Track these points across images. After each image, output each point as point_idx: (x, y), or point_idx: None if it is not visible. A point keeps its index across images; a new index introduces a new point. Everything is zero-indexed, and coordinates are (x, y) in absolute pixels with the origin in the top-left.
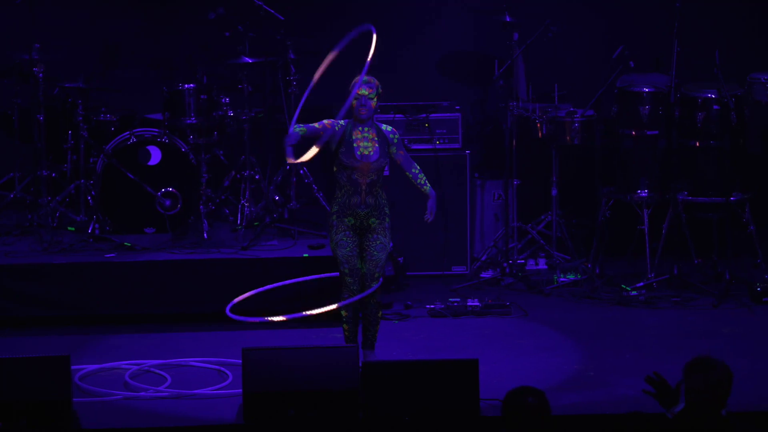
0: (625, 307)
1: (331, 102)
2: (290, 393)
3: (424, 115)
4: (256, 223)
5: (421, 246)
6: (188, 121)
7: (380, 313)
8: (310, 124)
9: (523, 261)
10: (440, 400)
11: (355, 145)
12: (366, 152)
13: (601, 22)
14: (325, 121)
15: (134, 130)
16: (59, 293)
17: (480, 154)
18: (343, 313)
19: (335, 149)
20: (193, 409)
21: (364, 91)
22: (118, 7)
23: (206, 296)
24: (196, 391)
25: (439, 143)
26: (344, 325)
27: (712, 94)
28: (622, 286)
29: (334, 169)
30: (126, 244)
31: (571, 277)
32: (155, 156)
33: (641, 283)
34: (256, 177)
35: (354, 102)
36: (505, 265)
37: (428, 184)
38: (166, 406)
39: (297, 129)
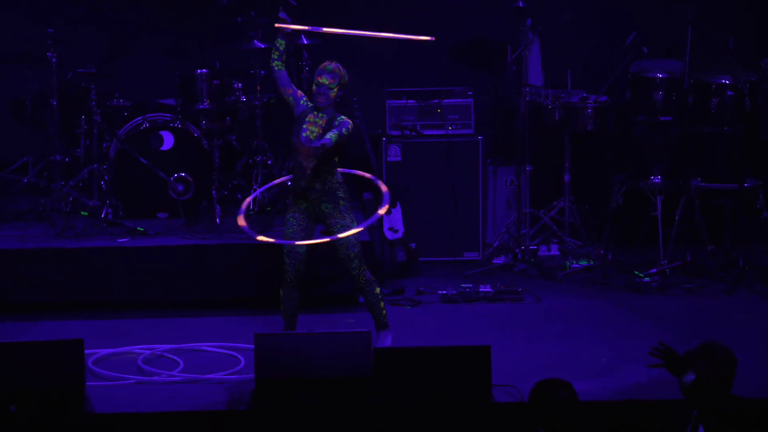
0: (638, 294)
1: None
2: (302, 379)
3: (436, 100)
4: (268, 209)
5: (434, 232)
6: (201, 107)
7: (377, 289)
8: (288, 80)
9: (535, 247)
10: (452, 386)
11: (304, 126)
12: (312, 136)
13: (615, 7)
14: (299, 91)
15: (147, 115)
16: (72, 278)
17: (492, 140)
18: (281, 293)
19: (292, 128)
20: (206, 394)
21: (324, 80)
22: None
23: (219, 281)
24: (208, 376)
25: (452, 129)
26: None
27: (726, 80)
28: (635, 272)
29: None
30: (139, 229)
31: (584, 263)
32: (168, 141)
33: (654, 270)
34: (269, 162)
35: (314, 88)
36: (517, 251)
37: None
38: (178, 390)
39: (277, 66)
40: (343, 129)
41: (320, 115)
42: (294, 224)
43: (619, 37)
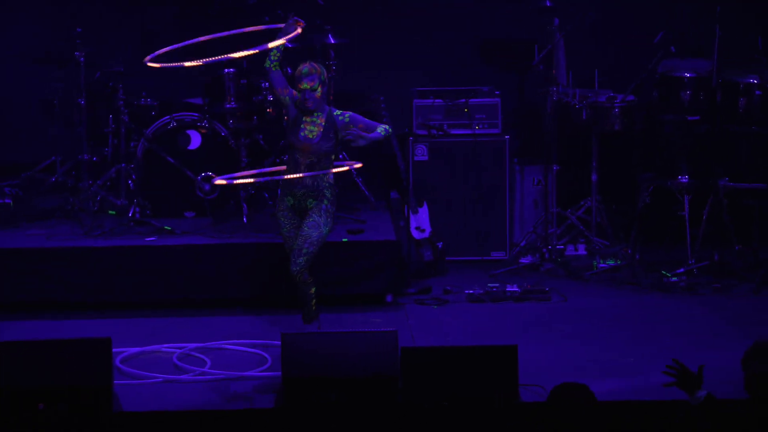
0: (665, 293)
1: (367, 87)
2: (329, 378)
3: (463, 100)
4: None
5: (460, 231)
6: (228, 106)
7: (312, 289)
8: (283, 80)
9: (562, 246)
10: (479, 385)
11: (302, 126)
12: (310, 135)
13: (642, 6)
14: (293, 91)
15: (174, 115)
16: (100, 277)
17: (519, 139)
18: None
19: (287, 126)
20: (233, 393)
21: (306, 85)
22: None
23: (245, 280)
24: (235, 374)
25: (479, 128)
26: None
27: (754, 80)
28: (662, 272)
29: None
30: (166, 228)
31: (611, 262)
32: (195, 140)
33: (682, 269)
34: None
35: (298, 95)
36: (544, 250)
37: (384, 128)
38: (205, 389)
39: (274, 66)
40: (353, 115)
41: (315, 114)
42: (286, 223)
43: (647, 37)
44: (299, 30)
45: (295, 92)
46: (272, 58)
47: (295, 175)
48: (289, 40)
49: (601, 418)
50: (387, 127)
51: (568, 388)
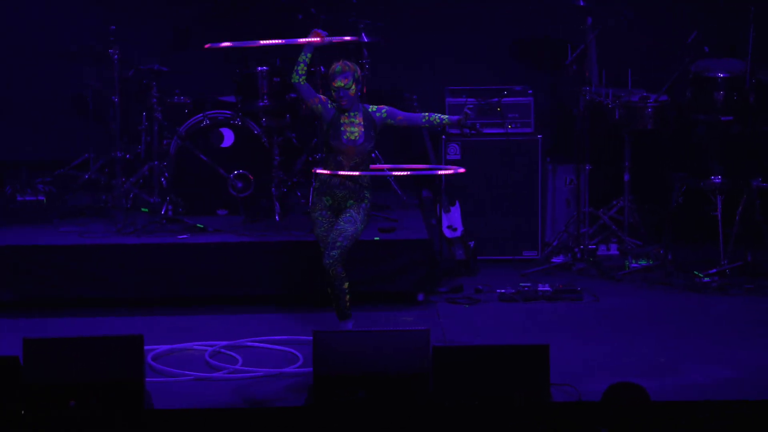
0: (698, 294)
1: (400, 85)
2: (360, 376)
3: (496, 99)
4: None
5: (492, 230)
6: (261, 104)
7: (346, 284)
8: (312, 91)
9: (594, 246)
10: (510, 385)
11: (342, 129)
12: (353, 137)
13: (675, 6)
14: (322, 97)
15: (207, 113)
16: (132, 274)
17: (552, 138)
18: (328, 290)
19: (325, 130)
20: (264, 390)
21: (340, 83)
22: None
23: (277, 278)
24: (266, 371)
25: (511, 127)
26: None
27: None
28: (695, 272)
29: (324, 148)
30: (198, 225)
31: (643, 262)
32: (228, 138)
33: (714, 270)
34: None
35: (333, 94)
36: (576, 250)
37: (444, 116)
38: (237, 386)
39: (302, 81)
40: (390, 110)
41: (352, 114)
42: (324, 223)
43: (680, 36)
44: (318, 39)
45: (324, 98)
46: (299, 71)
47: (345, 173)
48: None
49: (656, 417)
50: (427, 114)
51: (625, 388)
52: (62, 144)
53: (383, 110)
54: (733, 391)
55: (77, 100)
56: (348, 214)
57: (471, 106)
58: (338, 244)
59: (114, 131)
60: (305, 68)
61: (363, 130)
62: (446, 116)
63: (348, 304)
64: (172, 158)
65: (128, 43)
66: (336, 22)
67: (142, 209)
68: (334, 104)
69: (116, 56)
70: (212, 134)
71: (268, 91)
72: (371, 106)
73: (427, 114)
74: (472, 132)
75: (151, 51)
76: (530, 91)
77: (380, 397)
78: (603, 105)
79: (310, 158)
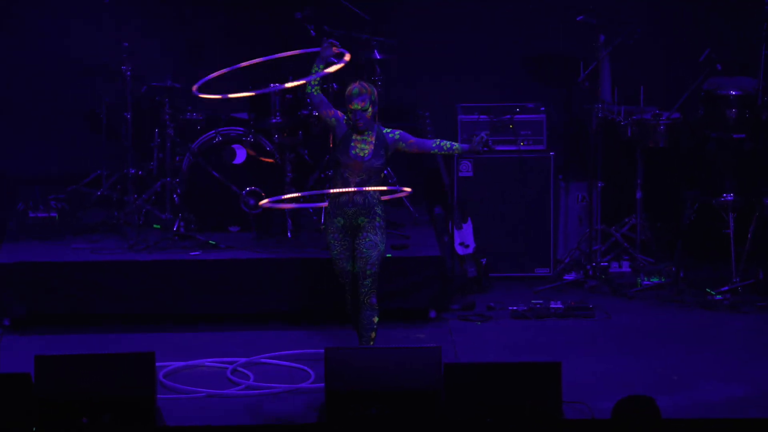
0: (710, 311)
1: (413, 102)
2: (372, 392)
3: (508, 116)
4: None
5: (504, 247)
6: (273, 121)
7: (376, 318)
8: (327, 102)
9: (606, 264)
10: (522, 402)
11: (352, 144)
12: (361, 153)
13: (688, 24)
14: (338, 112)
15: (219, 129)
16: (144, 290)
17: (564, 155)
18: (356, 320)
19: (335, 144)
20: (275, 407)
21: (357, 106)
22: (203, 6)
23: (289, 295)
24: (277, 387)
25: (524, 144)
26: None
27: None
28: (707, 289)
29: (333, 164)
30: (211, 242)
31: (655, 280)
32: (240, 155)
33: (726, 287)
34: None
35: (349, 115)
36: (588, 267)
37: (455, 143)
38: (248, 403)
39: (316, 91)
40: (403, 133)
41: (367, 132)
42: (337, 246)
43: (693, 54)
44: (342, 64)
45: (340, 113)
46: (312, 82)
47: (345, 190)
48: (331, 62)
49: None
50: (438, 140)
51: (635, 401)
52: (75, 160)
53: (396, 132)
54: (746, 409)
55: (90, 116)
56: (368, 240)
57: (487, 131)
58: (368, 272)
59: (126, 148)
60: (318, 79)
61: (373, 148)
62: (458, 144)
63: (372, 341)
64: (185, 175)
65: (141, 60)
66: (349, 39)
67: (155, 226)
68: (350, 123)
69: (129, 73)
70: (225, 151)
71: (281, 108)
72: (386, 129)
73: (438, 140)
74: (485, 149)
75: (164, 68)
76: (543, 108)
77: (392, 414)
78: (615, 122)
79: (323, 175)
